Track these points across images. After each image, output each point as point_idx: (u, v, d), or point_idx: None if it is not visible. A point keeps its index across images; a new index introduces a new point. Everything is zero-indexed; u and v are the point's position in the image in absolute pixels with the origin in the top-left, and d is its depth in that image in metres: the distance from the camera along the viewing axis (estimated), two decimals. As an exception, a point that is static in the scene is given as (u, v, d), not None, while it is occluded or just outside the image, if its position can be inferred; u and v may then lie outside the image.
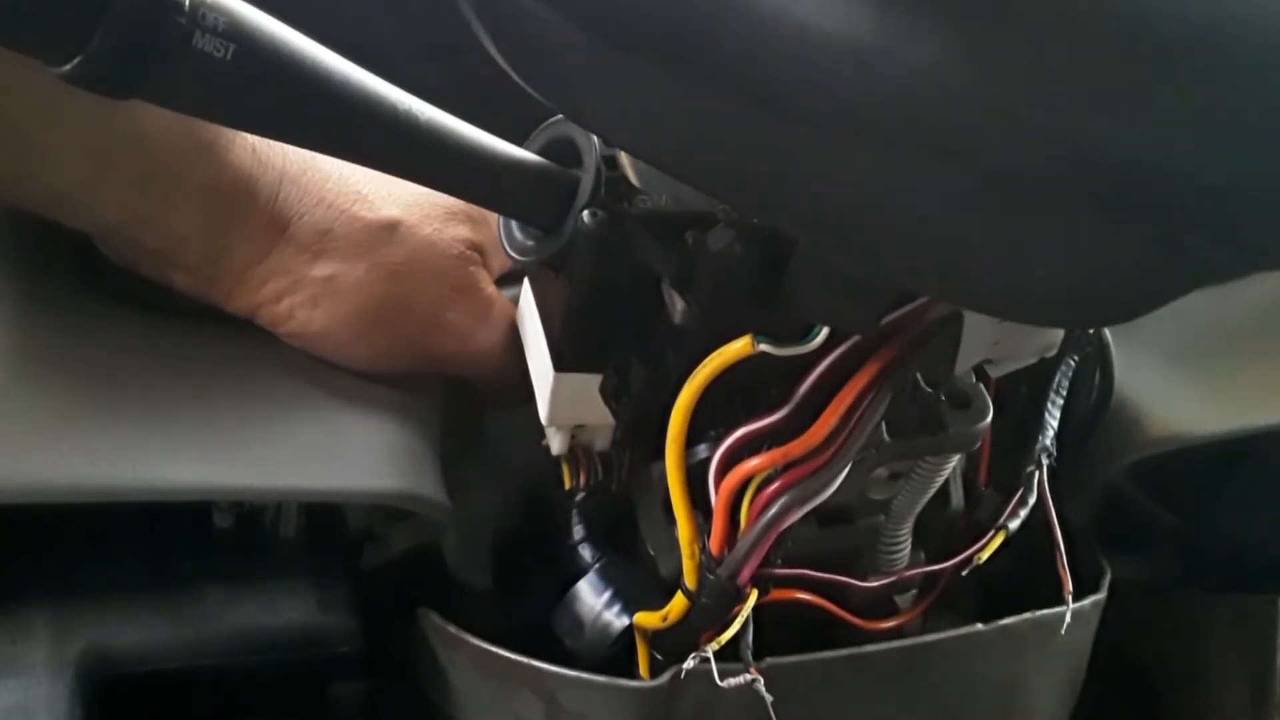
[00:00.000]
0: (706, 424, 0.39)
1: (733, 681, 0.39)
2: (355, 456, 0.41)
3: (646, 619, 0.42)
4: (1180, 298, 0.26)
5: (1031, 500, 0.43)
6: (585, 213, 0.37)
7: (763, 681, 0.39)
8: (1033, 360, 0.45)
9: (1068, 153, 0.21)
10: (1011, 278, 0.26)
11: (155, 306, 0.42)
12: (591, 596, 0.44)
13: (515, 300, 0.46)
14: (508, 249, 0.41)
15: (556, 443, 0.44)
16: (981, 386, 0.42)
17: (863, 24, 0.21)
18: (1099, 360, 0.49)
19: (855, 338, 0.37)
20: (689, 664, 0.39)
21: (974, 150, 0.22)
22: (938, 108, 0.21)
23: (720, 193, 0.30)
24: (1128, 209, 0.22)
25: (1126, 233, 0.23)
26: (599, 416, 0.42)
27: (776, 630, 0.41)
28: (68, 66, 0.28)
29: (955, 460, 0.44)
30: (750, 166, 0.26)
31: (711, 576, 0.38)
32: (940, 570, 0.44)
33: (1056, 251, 0.24)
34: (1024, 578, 0.47)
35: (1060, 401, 0.45)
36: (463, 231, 0.44)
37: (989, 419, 0.41)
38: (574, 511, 0.46)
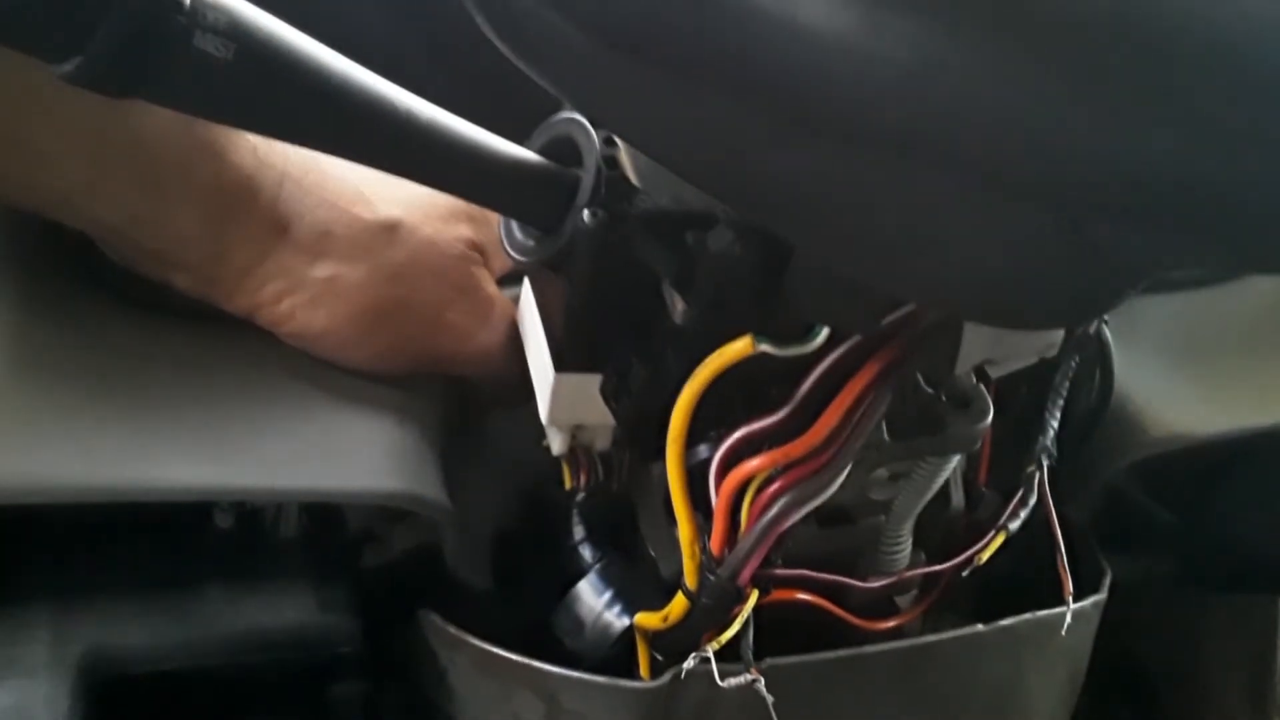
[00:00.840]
0: (707, 424, 0.39)
1: (733, 681, 0.39)
2: (356, 457, 0.41)
3: (647, 619, 0.42)
4: (1126, 299, 0.27)
5: (1031, 500, 0.43)
6: (585, 213, 0.37)
7: (763, 681, 0.39)
8: (1033, 360, 0.45)
9: (1017, 149, 0.21)
10: (970, 280, 0.26)
11: (155, 306, 0.42)
12: (592, 597, 0.44)
13: (515, 300, 0.46)
14: (508, 249, 0.41)
15: (557, 443, 0.44)
16: (981, 386, 0.42)
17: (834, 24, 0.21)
18: (1099, 360, 0.49)
19: (855, 338, 0.37)
20: (689, 664, 0.39)
21: (930, 147, 0.22)
22: (910, 106, 0.21)
23: (718, 192, 0.30)
24: (1075, 207, 0.22)
25: (1072, 232, 0.23)
26: (599, 416, 0.42)
27: (777, 631, 0.41)
28: (69, 66, 0.28)
29: (955, 460, 0.44)
30: (746, 168, 0.26)
31: (712, 577, 0.38)
32: (941, 570, 0.44)
33: (1010, 252, 0.24)
34: (1024, 578, 0.47)
35: (1060, 401, 0.45)
36: (464, 231, 0.44)
37: (989, 419, 0.41)
38: (574, 511, 0.46)
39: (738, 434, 0.38)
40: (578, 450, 0.44)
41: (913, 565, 0.46)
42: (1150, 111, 0.21)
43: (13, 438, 0.37)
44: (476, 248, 0.45)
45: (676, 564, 0.40)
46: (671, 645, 0.42)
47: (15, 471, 0.36)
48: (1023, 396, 0.47)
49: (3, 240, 0.41)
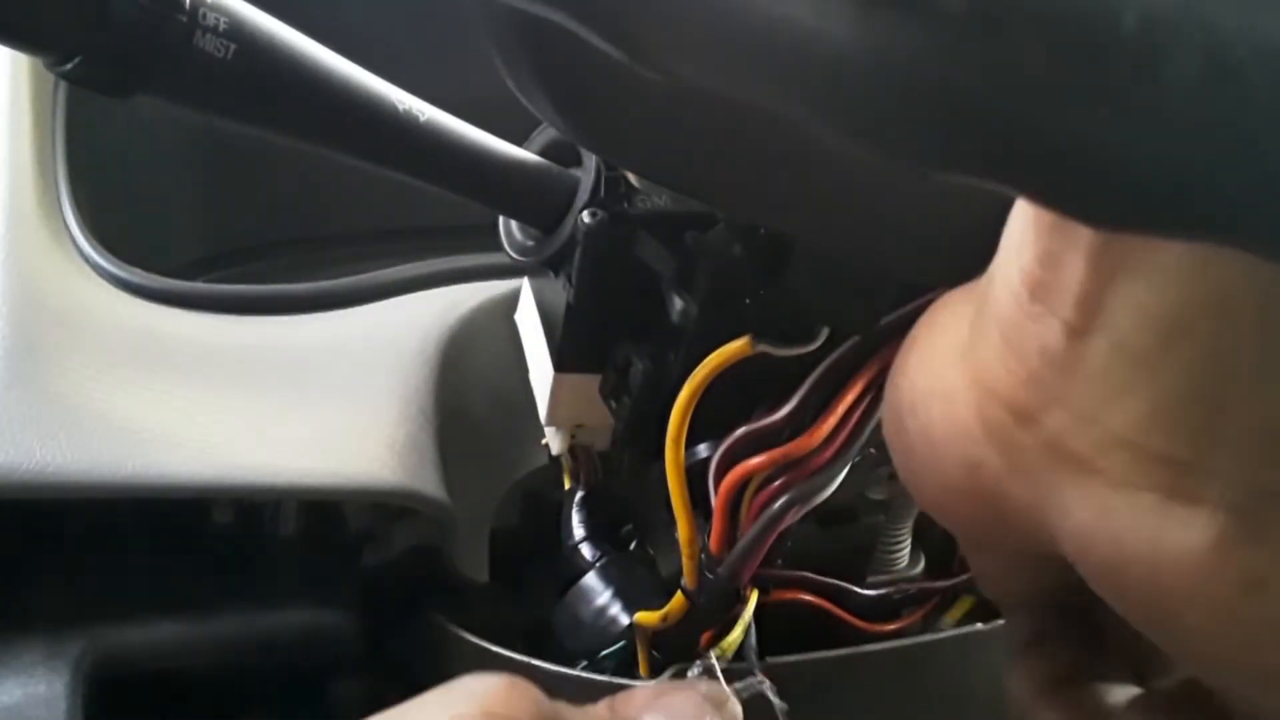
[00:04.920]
0: (706, 424, 0.39)
1: (740, 686, 0.39)
2: (355, 454, 0.41)
3: (646, 619, 0.42)
4: None
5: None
6: (585, 213, 0.37)
7: (770, 686, 0.39)
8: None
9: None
10: None
11: (153, 299, 0.42)
12: (591, 596, 0.44)
13: (515, 300, 0.46)
14: (508, 249, 0.41)
15: (556, 443, 0.44)
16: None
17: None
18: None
19: (855, 338, 0.37)
20: (693, 672, 0.39)
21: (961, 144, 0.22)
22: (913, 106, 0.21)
23: (731, 205, 0.30)
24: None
25: None
26: (599, 417, 0.42)
27: (778, 631, 0.41)
28: (69, 66, 0.28)
29: (955, 460, 0.43)
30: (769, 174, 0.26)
31: (711, 576, 0.38)
32: (942, 588, 0.44)
33: None
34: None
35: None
36: None
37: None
38: (574, 511, 0.46)
39: (737, 434, 0.38)
40: (577, 450, 0.44)
41: (913, 564, 0.46)
42: None
43: (12, 432, 0.37)
44: None
45: (676, 563, 0.40)
46: (671, 645, 0.42)
47: (15, 466, 0.36)
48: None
49: (4, 234, 0.42)
